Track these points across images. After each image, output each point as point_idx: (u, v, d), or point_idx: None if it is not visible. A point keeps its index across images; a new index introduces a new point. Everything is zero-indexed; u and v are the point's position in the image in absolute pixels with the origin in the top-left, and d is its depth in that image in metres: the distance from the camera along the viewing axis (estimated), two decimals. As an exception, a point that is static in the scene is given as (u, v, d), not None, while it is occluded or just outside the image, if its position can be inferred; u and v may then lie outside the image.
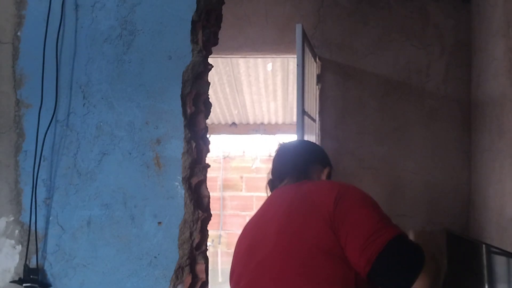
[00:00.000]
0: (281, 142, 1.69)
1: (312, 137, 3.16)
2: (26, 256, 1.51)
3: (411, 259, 1.21)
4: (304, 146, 1.69)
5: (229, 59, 4.38)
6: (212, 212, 1.62)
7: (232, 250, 1.55)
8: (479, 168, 3.16)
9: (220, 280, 5.90)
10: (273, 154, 1.65)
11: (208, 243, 1.65)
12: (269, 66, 4.62)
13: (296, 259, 1.29)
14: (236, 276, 1.43)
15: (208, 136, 1.62)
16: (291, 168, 1.55)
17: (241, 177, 6.13)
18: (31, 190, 1.51)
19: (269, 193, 1.60)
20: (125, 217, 1.51)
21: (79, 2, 1.56)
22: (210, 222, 1.60)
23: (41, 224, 1.52)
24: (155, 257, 1.50)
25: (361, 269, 1.21)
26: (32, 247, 1.51)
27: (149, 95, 1.53)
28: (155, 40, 1.54)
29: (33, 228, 1.50)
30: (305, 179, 1.51)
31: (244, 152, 6.17)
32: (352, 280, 1.23)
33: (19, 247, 1.52)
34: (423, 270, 1.20)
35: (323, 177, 1.57)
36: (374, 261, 1.19)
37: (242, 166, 6.15)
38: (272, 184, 1.60)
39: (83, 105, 1.54)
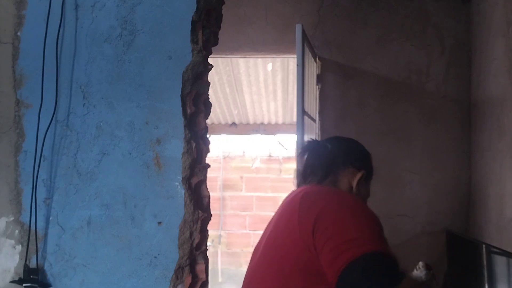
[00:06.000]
0: (310, 138, 1.56)
1: (312, 137, 3.16)
2: (26, 256, 1.51)
3: (378, 277, 1.03)
4: (336, 146, 1.46)
5: (229, 59, 4.38)
6: (212, 212, 1.62)
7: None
8: (479, 168, 3.16)
9: (220, 280, 5.90)
10: (304, 149, 1.52)
11: (208, 243, 1.65)
12: (269, 66, 4.62)
13: (275, 273, 1.23)
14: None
15: (208, 136, 1.62)
16: (316, 168, 1.41)
17: (241, 177, 6.13)
18: (31, 190, 1.51)
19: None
20: (125, 217, 1.51)
21: (79, 2, 1.56)
22: (210, 222, 1.60)
23: (41, 224, 1.52)
24: (155, 257, 1.50)
25: (333, 283, 1.07)
26: (32, 247, 1.51)
27: (149, 95, 1.53)
28: (155, 40, 1.54)
29: (33, 228, 1.50)
30: (329, 182, 1.39)
31: (244, 152, 6.17)
32: None
33: (19, 247, 1.52)
34: None
35: (354, 181, 1.40)
36: (339, 275, 1.05)
37: (242, 166, 6.15)
38: (299, 181, 1.49)
39: (83, 105, 1.54)
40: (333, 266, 1.07)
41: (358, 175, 1.39)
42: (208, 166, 1.60)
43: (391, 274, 1.05)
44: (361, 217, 1.16)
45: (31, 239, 1.50)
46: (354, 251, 1.05)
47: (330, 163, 1.40)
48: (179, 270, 1.49)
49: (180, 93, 1.53)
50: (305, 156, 1.48)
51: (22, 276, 1.50)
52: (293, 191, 1.42)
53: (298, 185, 1.50)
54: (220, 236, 6.01)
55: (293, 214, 1.24)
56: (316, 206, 1.20)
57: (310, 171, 1.43)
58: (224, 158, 6.15)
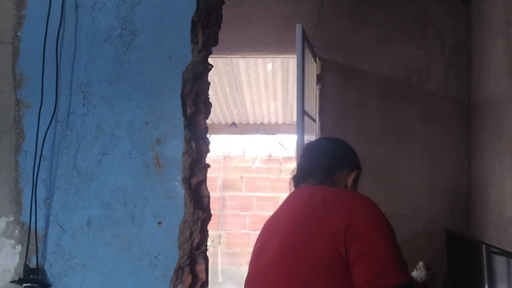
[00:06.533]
0: (309, 141, 1.62)
1: (312, 137, 3.16)
2: (26, 256, 1.51)
3: None
4: (334, 147, 1.57)
5: (229, 59, 4.38)
6: (212, 212, 1.62)
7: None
8: (479, 168, 3.16)
9: (220, 280, 5.90)
10: (302, 150, 1.63)
11: (208, 243, 1.65)
12: (269, 66, 4.61)
13: (295, 271, 1.27)
14: (247, 276, 1.45)
15: (208, 136, 1.62)
16: (317, 168, 1.49)
17: (241, 177, 6.12)
18: (31, 190, 1.51)
19: (293, 189, 1.56)
20: (125, 217, 1.51)
21: (79, 2, 1.56)
22: (210, 222, 1.60)
23: (41, 224, 1.52)
24: (155, 257, 1.50)
25: None
26: (32, 247, 1.51)
27: (149, 95, 1.53)
28: (155, 40, 1.54)
29: (33, 228, 1.50)
30: (329, 182, 1.46)
31: (244, 152, 6.17)
32: None
33: (19, 247, 1.52)
34: None
35: (349, 180, 1.50)
36: None
37: (242, 166, 6.14)
38: (297, 180, 1.55)
39: (83, 105, 1.54)
40: (372, 285, 1.17)
41: (353, 175, 1.51)
42: (208, 166, 1.60)
43: None
44: (389, 237, 1.26)
45: (31, 239, 1.50)
46: (387, 281, 1.17)
47: (330, 163, 1.49)
48: (179, 270, 1.49)
49: (180, 93, 1.53)
50: (302, 157, 1.58)
51: (22, 276, 1.50)
52: (302, 191, 1.48)
53: (296, 184, 1.55)
54: (220, 236, 6.01)
55: (316, 215, 1.31)
56: (344, 211, 1.29)
57: (310, 172, 1.50)
58: (224, 158, 6.14)
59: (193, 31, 1.54)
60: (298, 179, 1.54)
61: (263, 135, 5.80)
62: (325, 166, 1.48)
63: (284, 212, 1.47)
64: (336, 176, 1.48)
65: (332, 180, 1.47)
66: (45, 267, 1.51)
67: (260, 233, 1.51)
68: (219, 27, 1.69)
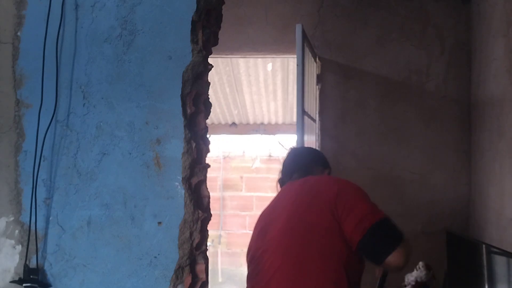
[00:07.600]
0: (291, 147, 2.10)
1: (312, 137, 3.16)
2: (26, 256, 1.51)
3: (390, 237, 1.54)
4: (309, 151, 2.16)
5: (229, 59, 4.38)
6: (212, 212, 1.62)
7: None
8: (479, 168, 3.16)
9: (220, 280, 5.90)
10: (284, 156, 1.99)
11: (208, 243, 1.65)
12: (269, 66, 4.61)
13: (301, 235, 1.59)
14: (252, 251, 1.72)
15: (208, 136, 1.62)
16: (299, 166, 1.89)
17: (241, 177, 6.13)
18: (31, 190, 1.51)
19: (279, 189, 1.91)
20: (125, 217, 1.51)
21: (79, 2, 1.56)
22: (210, 222, 1.60)
23: (41, 224, 1.52)
24: (155, 257, 1.50)
25: (353, 241, 1.55)
26: (32, 247, 1.51)
27: (149, 95, 1.53)
28: (155, 40, 1.54)
29: (33, 228, 1.50)
30: (310, 176, 1.82)
31: (244, 152, 6.17)
32: (344, 252, 1.55)
33: (19, 247, 1.52)
34: (402, 251, 1.51)
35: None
36: (363, 235, 1.53)
37: (242, 166, 6.15)
38: (282, 181, 1.92)
39: (83, 105, 1.54)
40: (359, 227, 1.54)
41: (326, 172, 1.93)
42: (208, 166, 1.60)
43: (399, 230, 1.57)
44: (366, 196, 1.65)
45: (31, 239, 1.50)
46: (373, 217, 1.56)
47: (307, 162, 1.92)
48: (179, 270, 1.49)
49: (180, 93, 1.53)
50: (286, 160, 1.96)
51: (22, 276, 1.50)
52: (292, 184, 1.80)
53: (282, 183, 1.91)
54: (220, 236, 6.01)
55: (313, 192, 1.67)
56: (334, 186, 1.66)
57: (295, 170, 1.89)
58: (224, 158, 6.15)
59: (193, 31, 1.54)
60: (284, 179, 1.91)
61: (263, 135, 5.80)
62: (305, 164, 1.90)
63: (281, 199, 1.78)
64: (314, 173, 1.87)
65: (312, 175, 1.83)
66: (45, 267, 1.51)
67: (258, 221, 1.78)
68: (219, 27, 1.69)
